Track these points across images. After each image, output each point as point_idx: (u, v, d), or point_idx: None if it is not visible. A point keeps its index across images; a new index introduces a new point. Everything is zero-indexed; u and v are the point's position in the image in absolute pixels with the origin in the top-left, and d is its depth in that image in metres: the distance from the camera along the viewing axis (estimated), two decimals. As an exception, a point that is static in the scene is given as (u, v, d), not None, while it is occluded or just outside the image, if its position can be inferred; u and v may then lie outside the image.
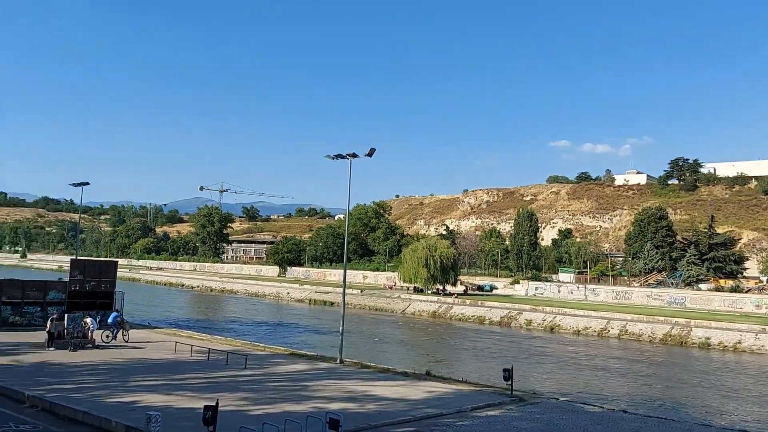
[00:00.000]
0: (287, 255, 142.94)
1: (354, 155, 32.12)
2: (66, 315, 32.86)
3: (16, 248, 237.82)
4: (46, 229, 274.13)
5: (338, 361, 30.51)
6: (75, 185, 55.92)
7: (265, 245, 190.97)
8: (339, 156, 32.76)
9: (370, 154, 31.95)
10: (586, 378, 37.75)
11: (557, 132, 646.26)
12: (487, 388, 25.69)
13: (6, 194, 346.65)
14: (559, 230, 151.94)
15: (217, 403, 15.81)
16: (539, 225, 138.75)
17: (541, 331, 61.35)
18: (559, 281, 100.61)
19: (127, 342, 33.19)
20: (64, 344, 30.35)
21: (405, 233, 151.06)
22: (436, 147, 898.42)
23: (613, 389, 34.69)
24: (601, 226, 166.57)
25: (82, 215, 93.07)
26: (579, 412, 22.02)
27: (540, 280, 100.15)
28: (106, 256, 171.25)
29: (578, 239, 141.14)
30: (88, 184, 56.35)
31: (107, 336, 32.95)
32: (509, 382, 24.02)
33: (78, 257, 57.89)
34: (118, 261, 56.90)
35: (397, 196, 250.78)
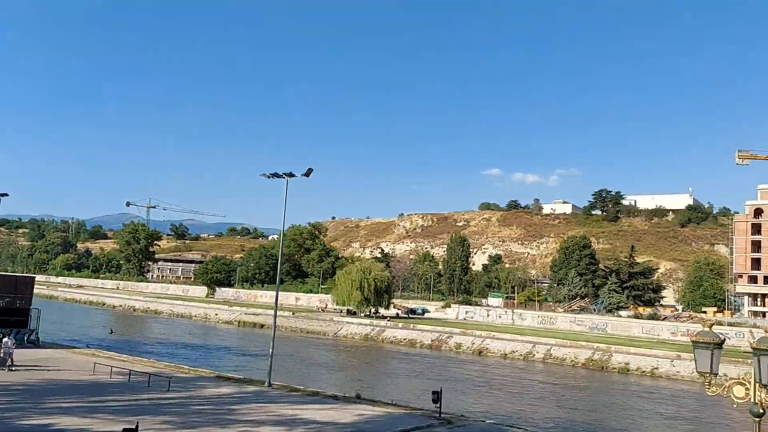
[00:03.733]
0: (217, 275, 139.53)
1: (291, 174, 31.59)
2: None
3: None
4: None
5: (266, 384, 29.81)
6: (-9, 196, 52.79)
7: (193, 265, 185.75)
8: (275, 175, 32.01)
9: (307, 174, 31.72)
10: (513, 401, 38.51)
11: (490, 161, 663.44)
12: (416, 411, 25.77)
13: None
14: (490, 256, 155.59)
15: (137, 427, 15.23)
16: (471, 250, 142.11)
17: (470, 354, 62.20)
18: (488, 305, 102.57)
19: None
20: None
21: (340, 255, 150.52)
22: (373, 170, 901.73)
23: (539, 413, 35.54)
24: (528, 253, 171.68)
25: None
26: (505, 435, 22.44)
27: (471, 305, 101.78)
28: (22, 272, 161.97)
29: (507, 265, 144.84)
30: (6, 195, 53.38)
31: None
32: (437, 405, 24.23)
33: (-9, 272, 54.52)
34: (35, 277, 54.00)
35: (333, 218, 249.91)
